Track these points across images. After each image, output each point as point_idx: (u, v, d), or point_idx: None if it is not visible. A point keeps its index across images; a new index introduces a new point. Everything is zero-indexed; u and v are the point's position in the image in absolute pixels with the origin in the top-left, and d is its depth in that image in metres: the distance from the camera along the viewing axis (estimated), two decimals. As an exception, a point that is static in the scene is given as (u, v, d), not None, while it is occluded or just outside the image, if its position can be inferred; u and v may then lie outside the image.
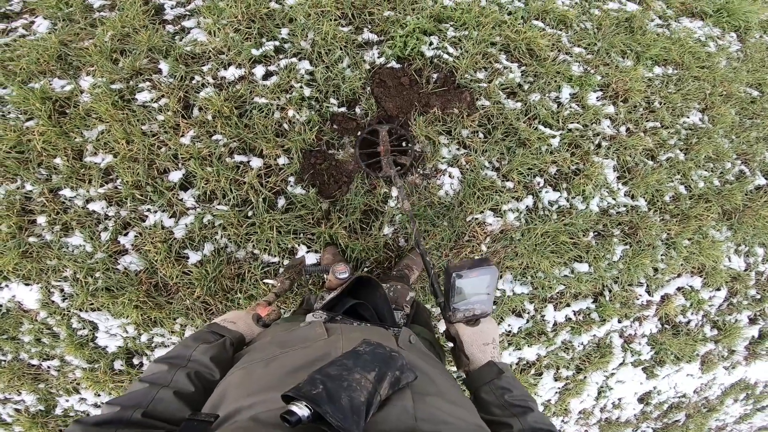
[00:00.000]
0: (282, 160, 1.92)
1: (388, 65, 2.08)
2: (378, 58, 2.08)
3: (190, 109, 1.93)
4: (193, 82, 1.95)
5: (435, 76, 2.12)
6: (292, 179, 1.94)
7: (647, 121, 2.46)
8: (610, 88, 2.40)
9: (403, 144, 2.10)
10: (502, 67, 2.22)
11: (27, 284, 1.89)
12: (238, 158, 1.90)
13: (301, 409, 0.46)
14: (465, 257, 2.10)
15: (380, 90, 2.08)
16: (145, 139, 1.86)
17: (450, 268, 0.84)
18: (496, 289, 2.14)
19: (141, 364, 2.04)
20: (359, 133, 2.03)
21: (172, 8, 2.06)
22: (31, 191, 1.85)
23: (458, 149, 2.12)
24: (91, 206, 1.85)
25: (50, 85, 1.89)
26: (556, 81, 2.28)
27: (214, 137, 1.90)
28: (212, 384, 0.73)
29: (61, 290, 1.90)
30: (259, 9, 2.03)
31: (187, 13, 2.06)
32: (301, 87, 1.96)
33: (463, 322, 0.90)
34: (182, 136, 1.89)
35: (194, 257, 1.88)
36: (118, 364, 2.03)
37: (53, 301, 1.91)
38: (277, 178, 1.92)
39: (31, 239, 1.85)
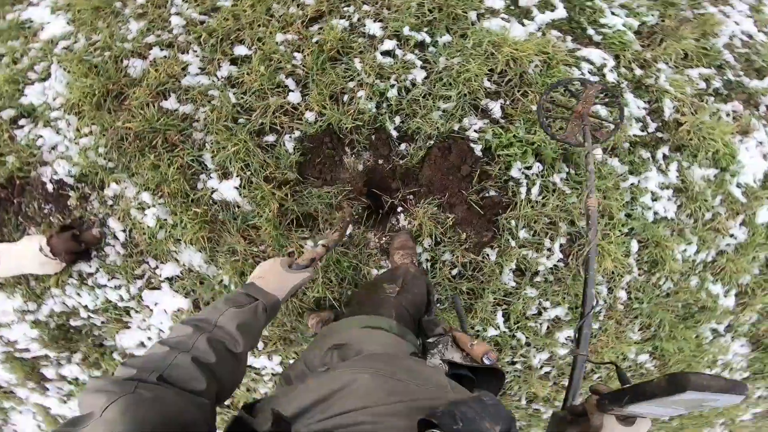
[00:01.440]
0: (309, 115, 1.83)
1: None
2: (474, 132, 1.90)
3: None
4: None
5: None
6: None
7: None
8: None
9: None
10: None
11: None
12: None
13: None
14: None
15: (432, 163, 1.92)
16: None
17: (690, 380, 0.55)
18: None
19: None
20: (549, 85, 1.73)
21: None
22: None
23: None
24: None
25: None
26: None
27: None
28: (234, 355, 0.72)
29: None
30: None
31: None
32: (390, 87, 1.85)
33: (617, 416, 0.69)
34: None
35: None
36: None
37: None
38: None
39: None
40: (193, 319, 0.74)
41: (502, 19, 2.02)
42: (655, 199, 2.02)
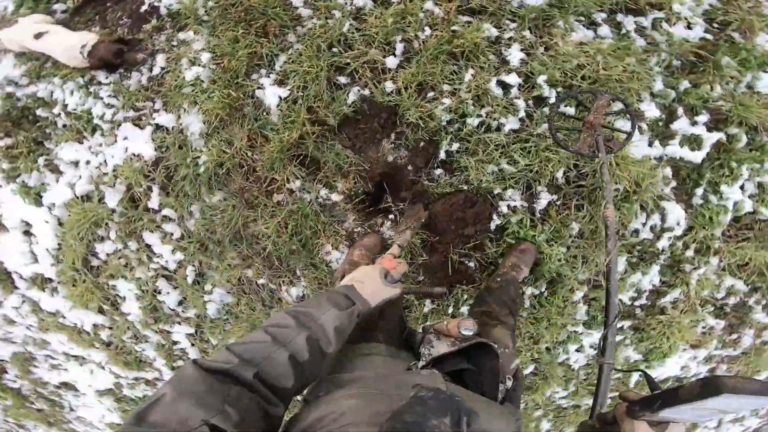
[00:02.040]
0: (388, 85, 1.76)
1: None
2: (506, 207, 1.81)
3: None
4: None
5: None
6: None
7: None
8: None
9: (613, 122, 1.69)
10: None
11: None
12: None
13: None
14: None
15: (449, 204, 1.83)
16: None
17: (725, 383, 0.54)
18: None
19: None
20: (559, 96, 1.69)
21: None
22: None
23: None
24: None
25: None
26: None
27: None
28: (323, 356, 0.72)
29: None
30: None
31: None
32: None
33: (649, 422, 0.67)
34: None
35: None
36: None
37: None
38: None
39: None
40: (297, 311, 0.74)
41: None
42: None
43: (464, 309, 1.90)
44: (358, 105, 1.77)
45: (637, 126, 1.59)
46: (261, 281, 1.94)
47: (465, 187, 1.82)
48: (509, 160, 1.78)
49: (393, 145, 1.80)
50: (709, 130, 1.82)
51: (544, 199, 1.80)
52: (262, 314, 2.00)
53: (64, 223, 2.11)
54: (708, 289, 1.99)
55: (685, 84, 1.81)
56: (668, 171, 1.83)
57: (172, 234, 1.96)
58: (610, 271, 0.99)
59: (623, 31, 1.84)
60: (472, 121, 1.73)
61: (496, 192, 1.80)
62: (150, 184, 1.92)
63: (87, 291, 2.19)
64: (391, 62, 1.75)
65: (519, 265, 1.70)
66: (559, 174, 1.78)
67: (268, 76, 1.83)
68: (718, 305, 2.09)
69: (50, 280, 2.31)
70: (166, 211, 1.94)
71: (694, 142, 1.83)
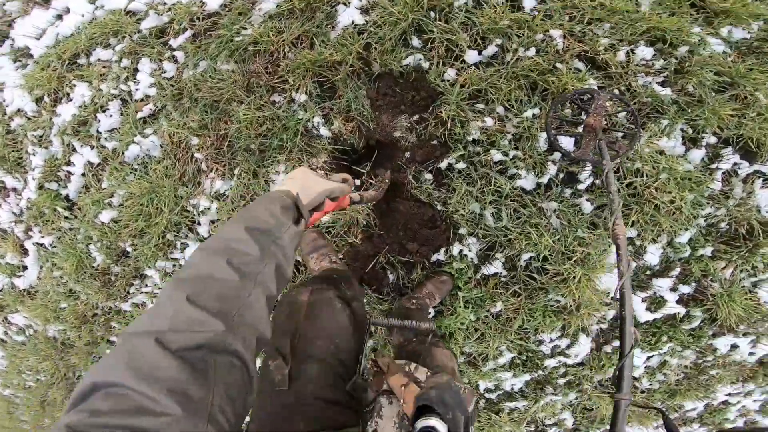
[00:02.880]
0: (450, 72, 1.66)
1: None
2: (457, 250, 1.70)
3: None
4: None
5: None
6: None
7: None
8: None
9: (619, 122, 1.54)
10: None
11: None
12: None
13: None
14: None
15: (420, 213, 1.75)
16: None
17: None
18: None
19: None
20: (557, 98, 1.51)
21: None
22: None
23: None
24: None
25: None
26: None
27: None
28: (285, 282, 0.58)
29: None
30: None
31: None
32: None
33: None
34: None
35: None
36: None
37: None
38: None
39: None
40: (255, 228, 0.56)
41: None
42: None
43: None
44: (409, 70, 1.70)
45: (641, 125, 1.45)
46: (197, 155, 1.73)
47: (439, 207, 1.67)
48: (495, 212, 1.65)
49: (408, 124, 1.73)
50: (680, 301, 1.73)
51: (495, 268, 1.65)
52: (171, 186, 1.72)
53: (93, 21, 2.10)
54: (547, 414, 2.03)
55: (706, 250, 1.66)
56: (611, 314, 1.75)
57: (165, 72, 1.87)
58: (624, 297, 0.86)
59: (714, 165, 1.63)
60: (495, 155, 1.64)
61: (460, 231, 1.64)
62: (188, 27, 1.92)
63: (50, 78, 2.04)
64: (472, 56, 1.63)
65: (435, 294, 1.63)
66: (525, 256, 1.65)
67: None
68: (539, 429, 2.12)
69: (31, 56, 2.20)
70: (178, 53, 1.88)
71: (655, 303, 1.74)
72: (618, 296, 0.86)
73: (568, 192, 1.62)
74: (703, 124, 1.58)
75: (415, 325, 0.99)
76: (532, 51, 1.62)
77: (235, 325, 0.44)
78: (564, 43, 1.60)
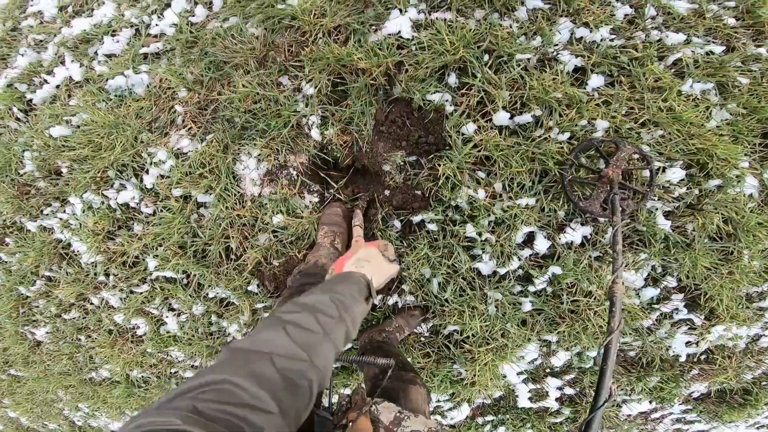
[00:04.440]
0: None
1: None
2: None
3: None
4: None
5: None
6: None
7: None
8: None
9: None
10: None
11: None
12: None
13: None
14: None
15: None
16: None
17: None
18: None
19: None
20: (582, 144, 1.37)
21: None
22: None
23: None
24: None
25: None
26: None
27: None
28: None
29: None
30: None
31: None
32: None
33: None
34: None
35: None
36: None
37: None
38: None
39: None
40: (336, 299, 0.71)
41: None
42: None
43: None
44: (430, 108, 1.53)
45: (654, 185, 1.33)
46: (178, 108, 1.56)
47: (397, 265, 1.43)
48: (442, 283, 1.52)
49: (402, 163, 1.53)
50: (558, 399, 1.93)
51: (421, 328, 1.73)
52: (137, 127, 1.55)
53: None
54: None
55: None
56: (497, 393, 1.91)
57: (194, 16, 1.75)
58: (608, 352, 0.89)
59: (658, 305, 1.60)
60: (470, 230, 1.45)
61: (403, 286, 1.56)
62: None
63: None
64: (502, 118, 1.45)
65: (404, 328, 1.66)
66: (451, 328, 1.65)
67: (419, 12, 1.57)
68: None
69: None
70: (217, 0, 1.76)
71: (538, 395, 1.90)
72: (602, 351, 0.88)
73: (517, 288, 1.56)
74: (675, 268, 1.51)
75: (373, 360, 0.93)
76: (565, 135, 1.42)
77: (314, 365, 0.57)
78: (602, 136, 1.39)
